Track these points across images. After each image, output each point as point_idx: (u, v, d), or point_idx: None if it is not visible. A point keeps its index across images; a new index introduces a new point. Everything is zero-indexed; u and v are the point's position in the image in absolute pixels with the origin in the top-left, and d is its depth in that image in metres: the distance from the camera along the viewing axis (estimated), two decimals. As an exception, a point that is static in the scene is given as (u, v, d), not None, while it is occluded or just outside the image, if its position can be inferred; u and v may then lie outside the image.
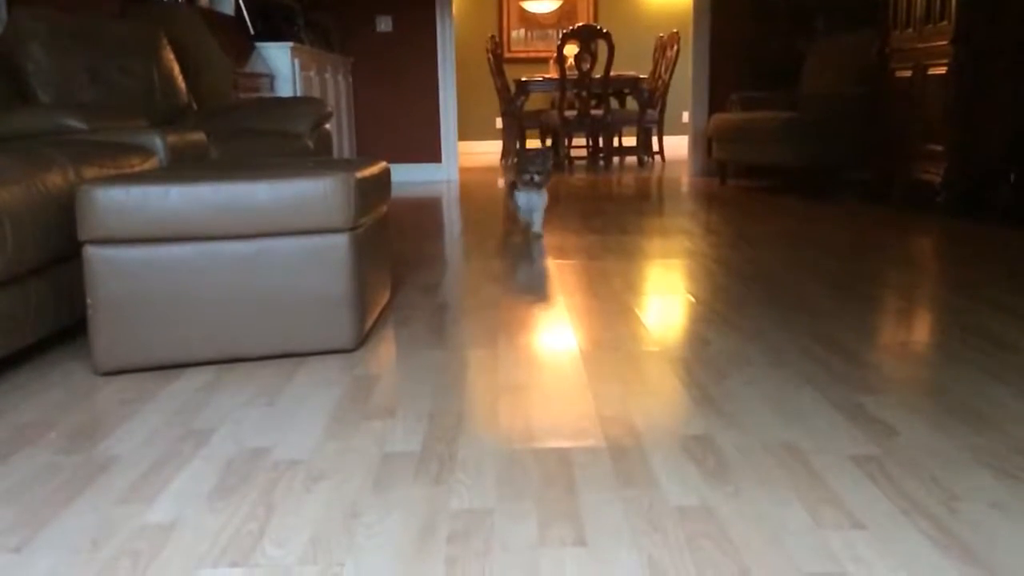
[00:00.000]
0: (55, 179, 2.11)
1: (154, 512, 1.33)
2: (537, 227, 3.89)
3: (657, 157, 8.40)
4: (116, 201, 1.92)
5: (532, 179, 3.71)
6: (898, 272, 3.09)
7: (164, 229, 1.96)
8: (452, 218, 4.84)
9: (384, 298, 2.57)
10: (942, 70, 4.41)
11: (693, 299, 2.69)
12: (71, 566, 1.18)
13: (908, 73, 4.78)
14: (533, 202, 3.84)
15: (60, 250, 2.11)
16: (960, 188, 4.39)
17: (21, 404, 1.82)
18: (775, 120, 5.32)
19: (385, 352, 2.17)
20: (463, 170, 7.62)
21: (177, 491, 1.40)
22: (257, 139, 3.51)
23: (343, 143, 6.19)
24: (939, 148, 4.44)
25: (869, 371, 1.96)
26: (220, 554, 1.20)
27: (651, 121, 8.10)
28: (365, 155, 6.68)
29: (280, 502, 1.36)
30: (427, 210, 5.15)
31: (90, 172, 2.26)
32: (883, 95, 5.06)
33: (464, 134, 9.26)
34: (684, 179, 6.67)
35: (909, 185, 4.85)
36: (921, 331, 2.34)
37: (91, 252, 1.94)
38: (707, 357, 2.08)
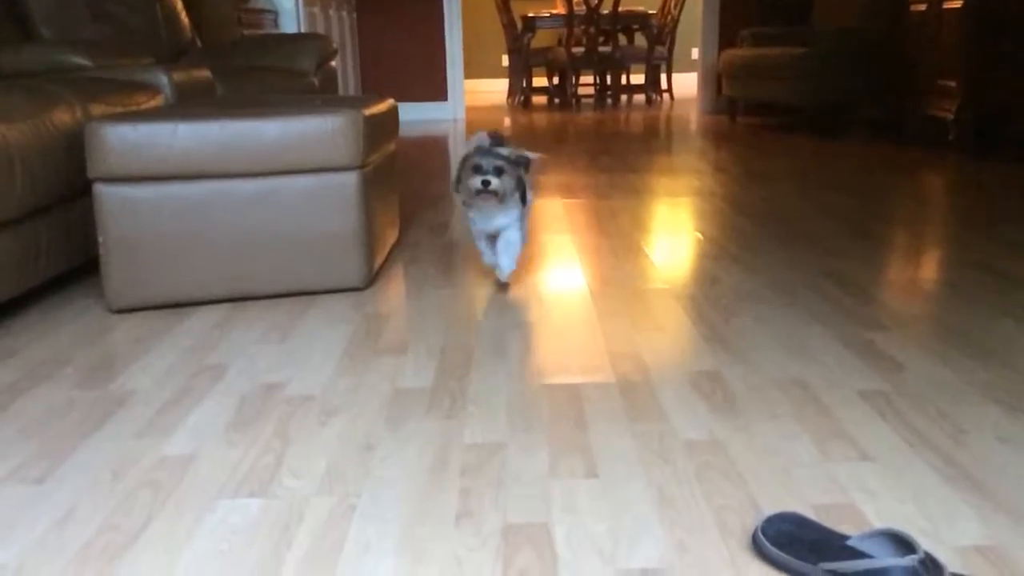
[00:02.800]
0: (63, 116, 2.09)
1: (172, 445, 1.35)
2: (505, 269, 2.14)
3: (666, 95, 8.30)
4: (124, 138, 1.91)
5: (485, 185, 1.98)
6: (908, 209, 3.08)
7: (173, 167, 1.95)
8: (459, 157, 4.81)
9: (393, 237, 2.57)
10: (958, 3, 4.33)
11: (702, 237, 2.69)
12: (93, 496, 1.20)
13: (923, 7, 4.69)
14: (495, 226, 2.10)
15: (69, 188, 2.11)
16: (973, 125, 4.34)
17: (37, 341, 1.84)
18: (787, 56, 5.24)
19: (395, 290, 2.18)
20: (469, 109, 7.55)
21: (194, 425, 1.42)
22: (263, 76, 3.48)
23: (347, 81, 6.13)
24: (952, 84, 4.38)
25: (878, 308, 1.96)
26: (239, 485, 1.23)
27: (660, 58, 7.98)
28: (371, 93, 6.61)
29: (295, 435, 1.38)
30: (433, 149, 5.12)
31: (97, 109, 2.24)
32: (897, 30, 4.98)
33: (470, 72, 9.15)
34: (693, 117, 6.61)
35: (921, 122, 4.80)
36: (931, 268, 2.34)
37: (101, 190, 1.94)
38: (716, 295, 2.09)
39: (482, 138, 2.04)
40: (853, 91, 5.22)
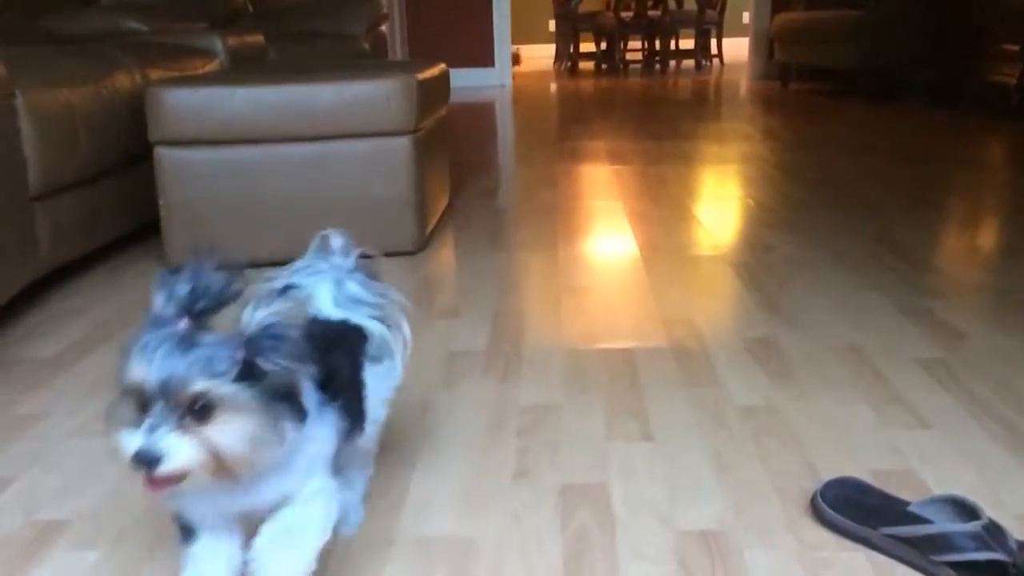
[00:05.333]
0: (123, 81, 2.13)
1: (235, 402, 1.39)
2: None
3: (715, 60, 8.17)
4: (184, 102, 1.94)
5: (147, 465, 0.70)
6: (967, 176, 3.01)
7: (230, 131, 1.98)
8: (506, 124, 4.80)
9: (443, 202, 2.58)
10: (1024, -36, 4.19)
11: (754, 204, 2.66)
12: (162, 450, 1.24)
13: (987, -32, 4.54)
14: (244, 505, 0.79)
15: (130, 151, 2.15)
16: (1036, 91, 4.21)
17: (101, 301, 1.89)
18: (842, 19, 5.12)
19: (446, 255, 2.20)
20: (516, 75, 7.50)
21: (255, 383, 1.45)
22: (314, 41, 3.50)
23: (395, 46, 6.13)
24: (1015, 48, 4.25)
25: (936, 276, 1.93)
26: (301, 441, 1.25)
27: (710, 22, 7.85)
28: (420, 57, 6.61)
29: (354, 395, 1.40)
30: (481, 116, 5.11)
31: (155, 74, 2.28)
32: (958, -8, 4.83)
33: (517, 38, 9.09)
34: (744, 83, 6.50)
35: (981, 87, 4.67)
36: (991, 236, 2.29)
37: (162, 153, 1.98)
38: (769, 261, 2.07)
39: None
40: (910, 55, 5.08)
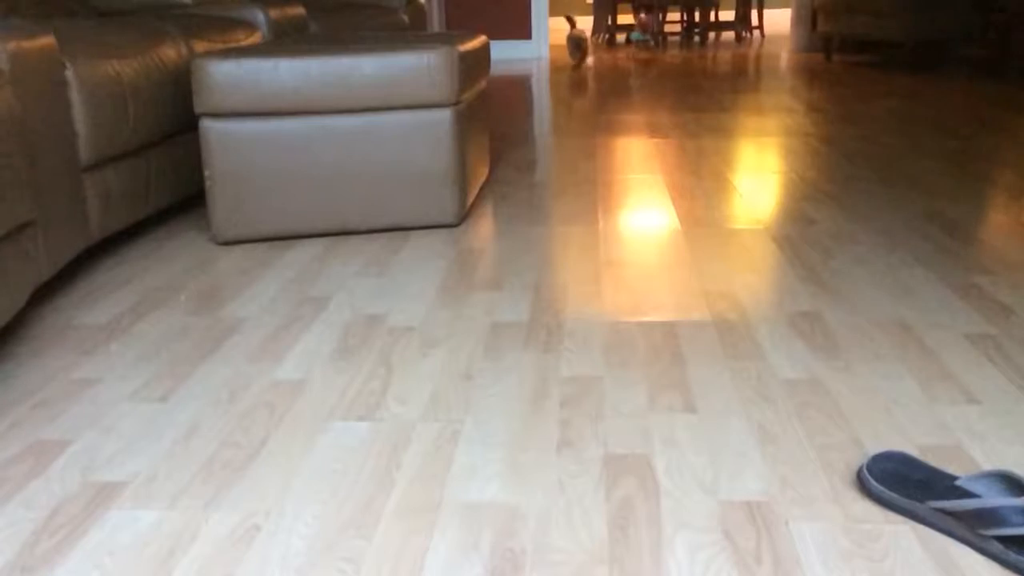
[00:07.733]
0: (169, 53, 2.15)
1: (283, 369, 1.41)
2: None
3: (756, 32, 8.04)
4: (229, 74, 1.96)
5: None
6: (1014, 150, 2.95)
7: (274, 103, 2.00)
8: (544, 96, 4.78)
9: (483, 175, 2.58)
10: (1080, -69, 4.06)
11: (796, 177, 2.63)
12: (213, 415, 1.27)
13: (1040, -64, 4.42)
14: None
15: (176, 123, 2.17)
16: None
17: (149, 270, 1.93)
18: (888, -10, 5.01)
19: (487, 227, 2.21)
20: (553, 47, 7.45)
21: (302, 351, 1.48)
22: (353, 12, 3.50)
23: (432, 18, 6.11)
24: (1069, 19, 4.13)
25: (983, 251, 1.90)
26: (348, 408, 1.28)
27: (751, -7, 7.73)
28: (459, 30, 6.58)
29: (398, 364, 1.42)
30: (519, 88, 5.09)
31: (200, 46, 2.30)
32: (1010, -39, 4.70)
33: (554, 9, 9.01)
34: (785, 55, 6.40)
35: (1032, 60, 4.55)
36: (1041, 212, 2.25)
37: (207, 125, 2.00)
38: (813, 235, 2.05)
39: None
40: (958, 27, 4.97)
